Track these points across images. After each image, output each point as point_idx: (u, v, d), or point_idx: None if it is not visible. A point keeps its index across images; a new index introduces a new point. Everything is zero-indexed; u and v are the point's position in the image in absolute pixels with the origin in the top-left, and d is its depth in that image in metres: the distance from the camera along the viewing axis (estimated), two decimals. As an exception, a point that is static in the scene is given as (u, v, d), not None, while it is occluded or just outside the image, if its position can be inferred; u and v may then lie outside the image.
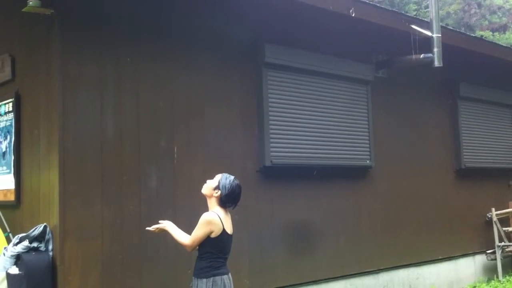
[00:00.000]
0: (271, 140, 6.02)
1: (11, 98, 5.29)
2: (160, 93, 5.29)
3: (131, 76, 5.10)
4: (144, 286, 5.00)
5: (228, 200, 4.16)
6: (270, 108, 6.04)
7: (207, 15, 5.68)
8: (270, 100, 6.06)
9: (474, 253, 8.64)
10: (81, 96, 4.79)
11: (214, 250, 4.07)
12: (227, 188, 4.14)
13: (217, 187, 4.15)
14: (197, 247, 4.12)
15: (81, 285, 4.63)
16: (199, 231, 4.06)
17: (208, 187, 4.20)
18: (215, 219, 4.06)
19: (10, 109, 5.30)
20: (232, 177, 4.21)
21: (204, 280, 4.04)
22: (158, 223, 4.28)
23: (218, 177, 4.22)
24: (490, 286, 8.16)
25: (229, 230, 4.16)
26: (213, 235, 4.05)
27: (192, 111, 5.51)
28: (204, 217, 4.08)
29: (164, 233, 4.30)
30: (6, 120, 5.36)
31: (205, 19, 5.67)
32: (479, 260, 8.72)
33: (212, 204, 4.18)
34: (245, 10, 5.92)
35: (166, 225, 4.25)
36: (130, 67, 5.09)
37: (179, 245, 4.20)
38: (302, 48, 6.39)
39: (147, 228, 4.32)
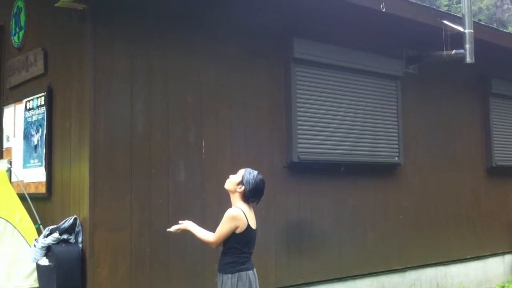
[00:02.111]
0: (299, 135, 6.00)
1: (43, 92, 5.37)
2: (189, 87, 5.31)
3: (160, 69, 5.13)
4: (171, 279, 5.04)
5: (252, 195, 4.13)
6: (298, 104, 6.02)
7: (236, 8, 5.68)
8: (298, 95, 6.03)
9: (503, 253, 8.51)
10: (112, 90, 4.84)
11: (239, 245, 4.05)
12: (251, 183, 4.10)
13: (240, 182, 4.12)
14: (222, 243, 4.11)
15: (110, 276, 4.69)
16: (224, 227, 4.04)
17: (232, 182, 4.17)
18: (240, 214, 4.04)
19: (42, 102, 5.38)
20: (255, 172, 4.17)
21: (230, 275, 4.02)
22: (178, 223, 4.25)
23: (241, 172, 4.18)
24: (520, 287, 8.04)
25: (253, 225, 4.13)
26: (238, 231, 4.03)
27: (220, 105, 5.52)
28: (229, 213, 4.06)
29: (186, 232, 4.27)
30: (38, 114, 5.44)
31: (234, 13, 5.67)
32: (509, 259, 8.58)
33: (236, 199, 4.15)
34: (274, 4, 5.90)
35: (187, 224, 4.22)
36: (159, 61, 5.12)
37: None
38: (331, 43, 6.34)
39: (168, 230, 4.30)
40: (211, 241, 4.13)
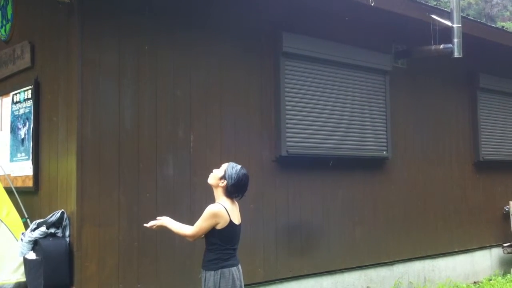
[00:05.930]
0: (288, 129, 6.00)
1: (30, 85, 5.33)
2: (178, 81, 5.30)
3: (149, 64, 5.11)
4: (159, 273, 5.03)
5: (234, 190, 4.04)
6: (287, 98, 6.02)
7: (226, 3, 5.66)
8: (287, 89, 6.03)
9: (490, 246, 8.57)
10: (100, 84, 4.81)
11: (220, 241, 3.98)
12: (233, 178, 4.01)
13: (223, 177, 4.03)
14: (205, 240, 4.04)
15: (98, 270, 4.68)
16: (203, 223, 3.96)
17: (214, 177, 4.08)
18: (221, 211, 3.96)
19: (29, 96, 5.34)
20: (238, 166, 4.07)
21: (212, 272, 3.96)
22: (156, 220, 4.15)
23: (224, 166, 4.09)
24: (506, 280, 8.10)
25: (236, 220, 4.05)
26: (218, 227, 3.95)
27: (209, 99, 5.51)
28: (209, 209, 3.97)
29: (163, 229, 4.19)
30: (25, 107, 5.41)
31: (223, 7, 5.65)
32: (496, 253, 8.65)
33: (218, 194, 4.07)
34: (263, -1, 5.90)
35: (164, 220, 4.12)
36: (148, 55, 5.10)
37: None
38: (320, 37, 6.35)
39: (145, 225, 4.21)
40: (188, 235, 4.03)
